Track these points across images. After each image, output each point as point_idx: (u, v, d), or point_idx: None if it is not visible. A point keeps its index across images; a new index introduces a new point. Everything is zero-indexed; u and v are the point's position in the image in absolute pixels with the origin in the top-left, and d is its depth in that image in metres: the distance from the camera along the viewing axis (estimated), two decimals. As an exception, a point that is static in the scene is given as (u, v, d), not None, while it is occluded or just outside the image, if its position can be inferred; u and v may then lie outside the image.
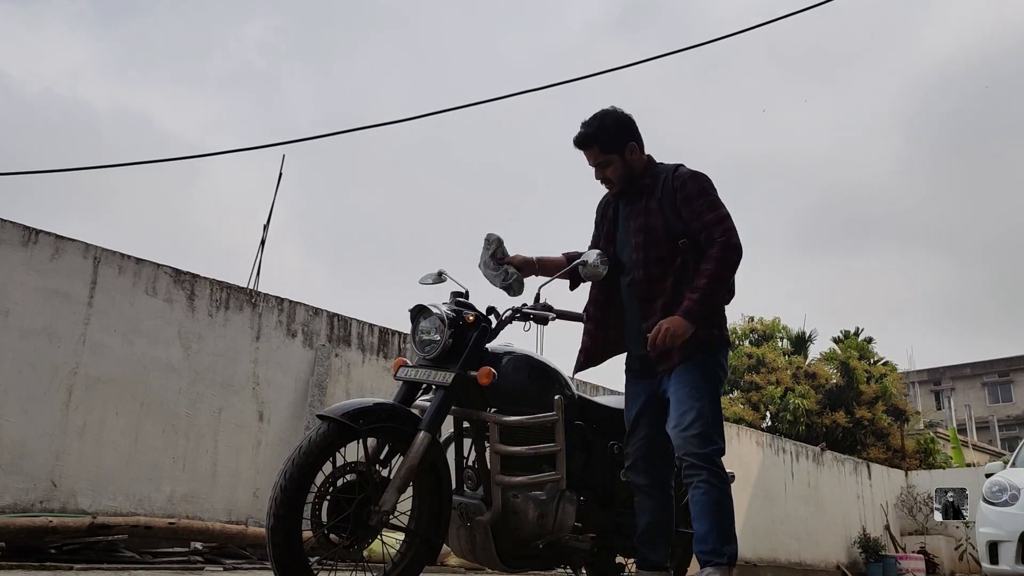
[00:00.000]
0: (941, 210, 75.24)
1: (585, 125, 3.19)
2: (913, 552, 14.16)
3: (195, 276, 6.33)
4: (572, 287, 3.40)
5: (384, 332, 7.55)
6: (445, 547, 3.09)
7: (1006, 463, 8.26)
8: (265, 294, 6.77)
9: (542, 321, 3.10)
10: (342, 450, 2.71)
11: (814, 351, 20.49)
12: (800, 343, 20.46)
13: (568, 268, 3.18)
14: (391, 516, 2.70)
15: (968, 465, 18.38)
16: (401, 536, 2.90)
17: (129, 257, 5.96)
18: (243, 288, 6.68)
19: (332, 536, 2.67)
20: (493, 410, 2.94)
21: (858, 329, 20.69)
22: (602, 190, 3.35)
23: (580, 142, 3.20)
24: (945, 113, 74.67)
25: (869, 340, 20.36)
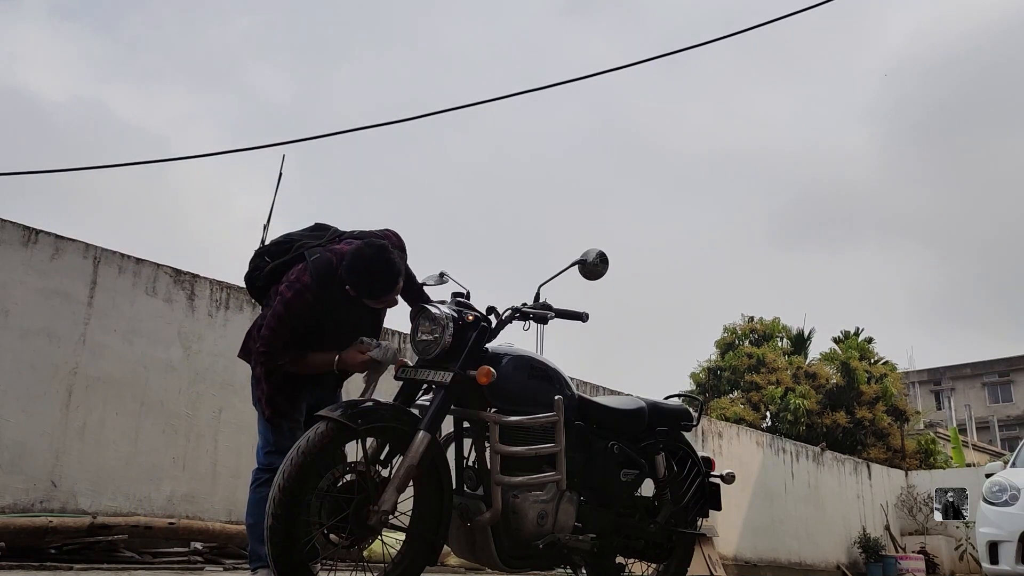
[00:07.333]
0: (935, 206, 75.15)
1: (396, 271, 3.00)
2: (913, 552, 14.16)
3: (195, 276, 6.33)
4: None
5: (384, 332, 7.54)
6: (445, 547, 3.09)
7: (1006, 463, 8.25)
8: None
9: (542, 320, 3.10)
10: (342, 450, 2.71)
11: (813, 351, 20.53)
12: (800, 343, 20.47)
13: (568, 267, 3.19)
14: (391, 516, 2.70)
15: (968, 465, 18.37)
16: (401, 536, 2.90)
17: (129, 257, 5.96)
18: (243, 288, 6.67)
19: (332, 536, 2.67)
20: (493, 410, 2.94)
21: (858, 329, 20.73)
22: None
23: (396, 283, 3.03)
24: (925, 105, 74.37)
25: (869, 340, 20.37)
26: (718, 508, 3.80)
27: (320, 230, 3.33)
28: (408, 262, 3.26)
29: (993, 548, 6.84)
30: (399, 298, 3.35)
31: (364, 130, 7.26)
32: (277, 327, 3.01)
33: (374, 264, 2.94)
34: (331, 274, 3.02)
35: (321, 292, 3.02)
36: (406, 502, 2.80)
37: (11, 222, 5.45)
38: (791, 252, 69.21)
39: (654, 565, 3.68)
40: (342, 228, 3.34)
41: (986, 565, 6.92)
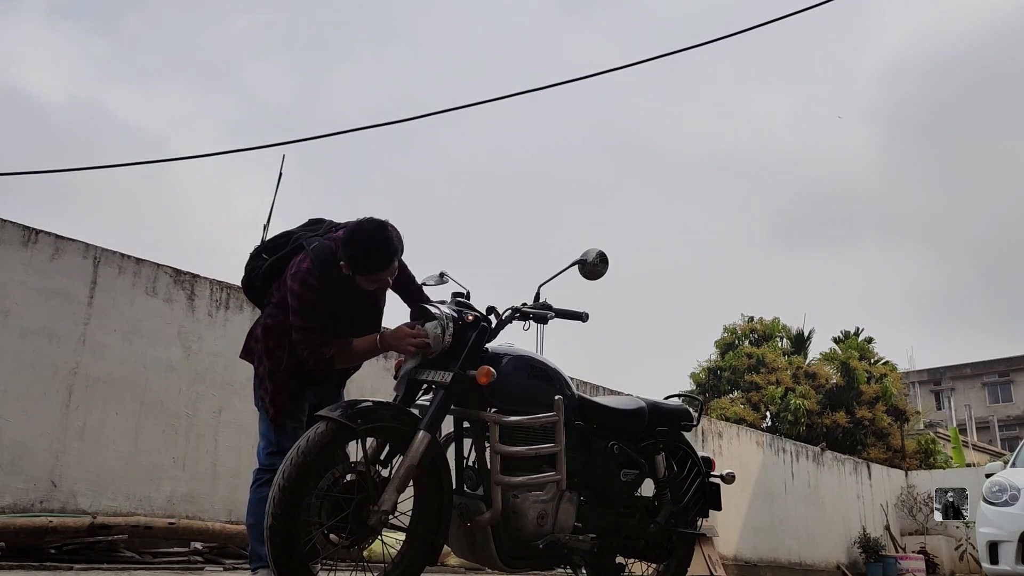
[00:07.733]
0: (935, 206, 75.09)
1: (392, 249, 2.97)
2: (913, 552, 14.16)
3: (195, 276, 6.33)
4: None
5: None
6: (445, 547, 3.09)
7: (1006, 463, 8.25)
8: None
9: (541, 320, 3.10)
10: (342, 450, 2.71)
11: (813, 351, 20.53)
12: (800, 343, 20.48)
13: (568, 267, 3.19)
14: (391, 516, 2.70)
15: (968, 465, 18.37)
16: (401, 536, 2.90)
17: (129, 257, 5.96)
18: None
19: (332, 536, 2.67)
20: (493, 410, 2.95)
21: (858, 329, 20.74)
22: None
23: (392, 261, 2.98)
24: (925, 105, 74.32)
25: (869, 340, 20.38)
26: (718, 508, 3.80)
27: (316, 224, 3.31)
28: (408, 262, 3.26)
29: (993, 548, 6.84)
30: (402, 300, 3.35)
31: (364, 130, 7.26)
32: (304, 323, 2.99)
33: (371, 238, 2.92)
34: (331, 259, 3.01)
35: (323, 277, 3.01)
36: (406, 502, 2.80)
37: (11, 222, 5.45)
38: (791, 252, 69.26)
39: (654, 565, 3.68)
40: (338, 222, 3.33)
41: (986, 565, 6.92)
